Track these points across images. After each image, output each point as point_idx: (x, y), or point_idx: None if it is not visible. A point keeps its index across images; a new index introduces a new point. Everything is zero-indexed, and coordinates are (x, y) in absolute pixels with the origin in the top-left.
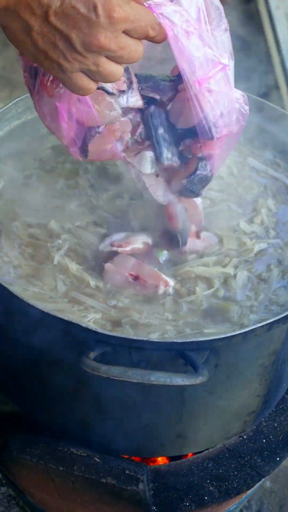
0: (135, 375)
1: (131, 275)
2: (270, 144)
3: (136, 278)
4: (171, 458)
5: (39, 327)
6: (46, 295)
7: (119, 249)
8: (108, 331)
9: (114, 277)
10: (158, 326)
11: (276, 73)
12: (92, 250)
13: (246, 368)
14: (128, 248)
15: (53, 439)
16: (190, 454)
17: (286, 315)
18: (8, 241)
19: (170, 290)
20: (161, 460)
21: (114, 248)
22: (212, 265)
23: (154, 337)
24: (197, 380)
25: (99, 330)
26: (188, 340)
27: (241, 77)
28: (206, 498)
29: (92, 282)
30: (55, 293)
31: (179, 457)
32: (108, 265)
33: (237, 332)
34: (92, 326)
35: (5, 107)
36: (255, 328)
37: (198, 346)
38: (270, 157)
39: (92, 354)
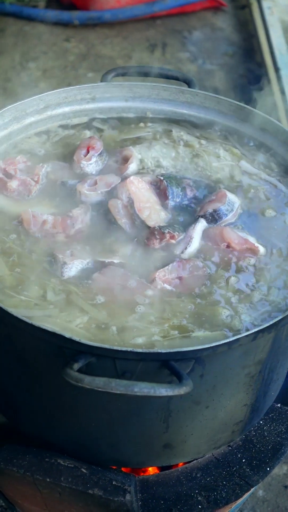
0: (118, 386)
1: (118, 284)
2: (263, 148)
3: (123, 287)
4: (162, 469)
5: (23, 337)
6: (31, 302)
7: (106, 260)
8: (91, 342)
9: (102, 285)
10: (144, 329)
11: (269, 78)
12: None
13: (232, 378)
14: (116, 261)
15: (41, 450)
16: (180, 464)
17: (270, 324)
18: None
19: (156, 295)
20: (151, 471)
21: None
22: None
23: (140, 341)
24: (181, 390)
25: (82, 340)
26: (172, 350)
27: (236, 83)
28: (194, 508)
29: (80, 291)
30: (43, 301)
31: (170, 468)
32: (96, 275)
33: (222, 342)
34: (75, 337)
35: None
36: (240, 337)
37: (183, 356)
38: (263, 160)
39: (76, 365)
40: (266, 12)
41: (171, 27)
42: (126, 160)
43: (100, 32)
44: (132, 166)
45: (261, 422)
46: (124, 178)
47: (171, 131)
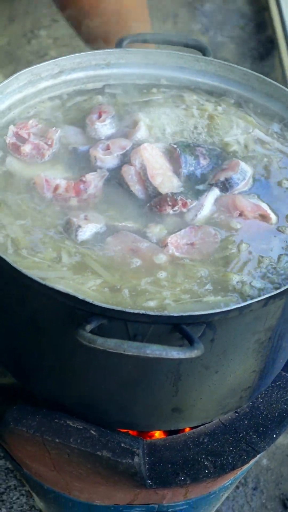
0: (130, 348)
1: (130, 248)
2: (277, 118)
3: (135, 251)
4: (169, 433)
5: (36, 298)
6: (45, 264)
7: (119, 224)
8: (103, 304)
9: (114, 249)
10: (155, 293)
11: (280, 51)
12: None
13: (242, 343)
14: (129, 225)
15: (50, 411)
16: (186, 429)
17: (281, 290)
18: (6, 213)
19: (167, 259)
20: (158, 435)
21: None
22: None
23: (152, 304)
24: (192, 353)
25: (95, 302)
26: (184, 314)
27: (246, 56)
28: (201, 472)
29: (93, 254)
30: (56, 263)
31: (177, 432)
32: (109, 239)
33: (233, 307)
34: (88, 298)
35: (7, 81)
36: (251, 303)
37: (194, 319)
38: (277, 130)
39: (88, 327)
40: None
41: None
42: (136, 124)
43: None
44: (141, 131)
45: (268, 389)
46: (134, 143)
47: (183, 96)
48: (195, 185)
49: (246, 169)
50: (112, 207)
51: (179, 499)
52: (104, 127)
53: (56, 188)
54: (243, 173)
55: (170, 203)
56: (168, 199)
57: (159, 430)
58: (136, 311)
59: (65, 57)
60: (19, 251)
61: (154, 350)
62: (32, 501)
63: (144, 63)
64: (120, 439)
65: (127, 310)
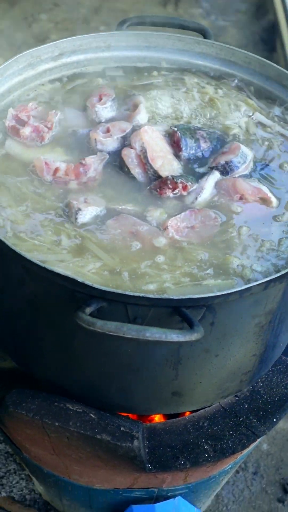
0: (130, 331)
1: (130, 232)
2: (278, 101)
3: (135, 234)
4: (168, 417)
5: (36, 281)
6: (45, 247)
7: (118, 207)
8: (103, 286)
9: (114, 233)
10: (155, 276)
11: (282, 35)
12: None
13: (242, 327)
14: (130, 208)
15: (50, 394)
16: (187, 413)
17: (282, 274)
18: (6, 196)
19: (167, 242)
20: (158, 419)
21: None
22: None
23: (152, 287)
24: (192, 337)
25: (95, 285)
26: (183, 297)
27: (248, 40)
28: (201, 456)
29: (93, 237)
30: (56, 246)
31: (177, 416)
32: (109, 222)
33: (233, 290)
34: (88, 281)
35: (7, 63)
36: (251, 286)
37: (194, 302)
38: (278, 113)
39: (88, 310)
40: None
41: None
42: (136, 107)
43: None
44: (141, 114)
45: (269, 373)
46: (135, 126)
47: (183, 79)
48: (196, 168)
49: (246, 152)
50: (112, 190)
51: (178, 483)
52: (105, 110)
53: (56, 171)
54: (244, 157)
55: (170, 186)
56: (169, 182)
57: (159, 413)
58: (136, 294)
59: (65, 39)
60: (18, 234)
61: (154, 333)
62: (31, 485)
63: (144, 46)
64: (119, 423)
65: (127, 293)
